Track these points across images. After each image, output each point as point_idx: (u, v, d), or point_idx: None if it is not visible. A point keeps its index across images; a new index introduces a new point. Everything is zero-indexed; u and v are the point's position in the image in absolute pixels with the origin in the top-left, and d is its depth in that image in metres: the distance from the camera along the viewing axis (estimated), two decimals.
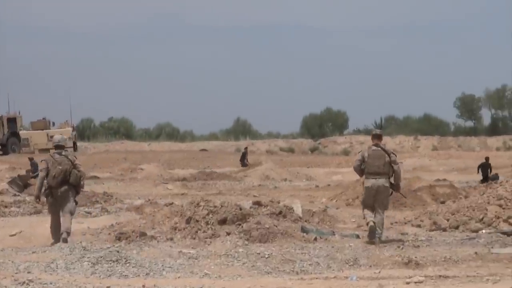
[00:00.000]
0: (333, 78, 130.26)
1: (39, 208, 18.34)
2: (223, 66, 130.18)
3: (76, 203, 13.94)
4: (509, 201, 15.37)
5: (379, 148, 13.59)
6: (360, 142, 70.55)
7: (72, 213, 13.64)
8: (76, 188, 13.64)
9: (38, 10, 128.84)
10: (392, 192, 13.79)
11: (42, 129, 53.76)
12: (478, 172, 32.17)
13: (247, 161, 44.55)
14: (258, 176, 36.21)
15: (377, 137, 13.78)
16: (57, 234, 13.49)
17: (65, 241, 13.15)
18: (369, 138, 15.38)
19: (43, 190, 13.65)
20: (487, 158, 32.85)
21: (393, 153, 13.74)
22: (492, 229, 14.61)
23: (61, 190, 13.43)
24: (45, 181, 13.55)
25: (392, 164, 13.47)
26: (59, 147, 13.77)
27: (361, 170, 13.66)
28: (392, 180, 13.62)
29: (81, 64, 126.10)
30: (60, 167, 13.41)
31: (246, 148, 51.19)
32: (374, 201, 13.53)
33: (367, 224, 13.47)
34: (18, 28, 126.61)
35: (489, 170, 32.08)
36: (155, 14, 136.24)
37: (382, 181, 13.45)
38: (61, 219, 13.53)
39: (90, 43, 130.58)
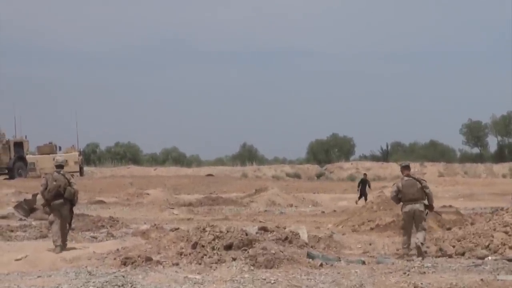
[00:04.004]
0: (339, 104, 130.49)
1: (45, 232, 18.39)
2: (230, 92, 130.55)
3: (72, 213, 15.76)
4: None
5: (411, 178, 15.40)
6: (367, 168, 70.50)
7: (68, 222, 15.53)
8: (71, 202, 15.52)
9: (46, 32, 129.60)
10: (427, 212, 15.46)
11: (49, 154, 53.81)
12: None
13: (364, 189, 36.44)
14: (264, 202, 36.15)
15: (407, 168, 15.63)
16: (58, 240, 15.11)
17: (59, 251, 14.83)
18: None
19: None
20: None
21: (423, 180, 15.58)
22: (498, 256, 14.56)
23: (55, 202, 15.34)
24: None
25: (425, 189, 15.28)
26: (58, 166, 15.81)
27: (398, 199, 15.45)
28: (425, 202, 15.31)
29: (88, 88, 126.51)
30: (55, 183, 15.34)
31: (365, 174, 41.62)
32: (412, 224, 15.26)
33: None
34: (26, 52, 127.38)
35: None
36: (162, 39, 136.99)
37: (417, 206, 15.21)
38: (60, 228, 15.23)
39: (97, 67, 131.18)
